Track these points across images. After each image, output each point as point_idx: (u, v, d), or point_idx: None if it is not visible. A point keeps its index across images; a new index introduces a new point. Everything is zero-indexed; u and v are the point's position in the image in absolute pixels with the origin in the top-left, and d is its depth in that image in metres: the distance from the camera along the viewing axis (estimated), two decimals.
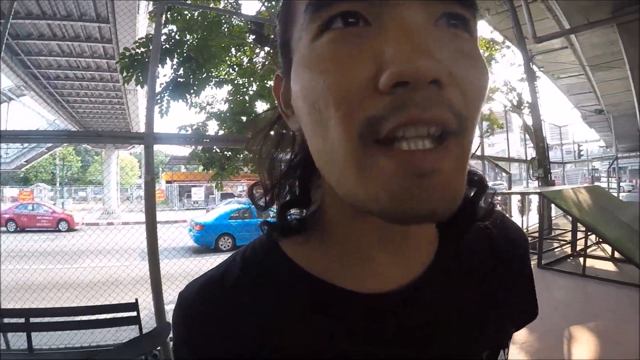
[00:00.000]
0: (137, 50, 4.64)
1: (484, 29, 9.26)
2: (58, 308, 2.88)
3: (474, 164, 0.49)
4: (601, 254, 4.49)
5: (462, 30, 0.31)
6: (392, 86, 0.27)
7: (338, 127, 0.29)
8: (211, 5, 6.04)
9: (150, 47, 4.03)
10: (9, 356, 2.77)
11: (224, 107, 6.29)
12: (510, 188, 7.18)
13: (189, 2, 5.19)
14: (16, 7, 5.91)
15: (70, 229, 13.69)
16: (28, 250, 6.31)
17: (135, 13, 7.96)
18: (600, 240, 4.67)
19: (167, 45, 4.78)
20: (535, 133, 6.98)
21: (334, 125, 0.29)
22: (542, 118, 7.28)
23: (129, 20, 7.76)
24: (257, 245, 0.44)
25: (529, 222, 7.72)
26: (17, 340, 2.88)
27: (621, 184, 16.47)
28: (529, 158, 7.51)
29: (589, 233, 4.54)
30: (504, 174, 7.40)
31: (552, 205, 5.82)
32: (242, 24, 5.78)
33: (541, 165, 6.72)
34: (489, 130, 11.18)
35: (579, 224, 4.76)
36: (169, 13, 4.77)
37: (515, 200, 8.01)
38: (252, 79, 6.13)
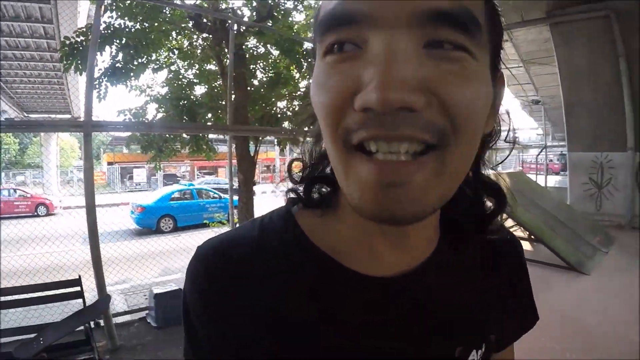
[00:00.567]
0: (77, 39, 4.64)
1: None
2: (8, 288, 2.98)
3: None
4: (521, 234, 4.71)
5: (456, 51, 0.31)
6: (362, 110, 0.30)
7: (328, 133, 0.34)
8: None
9: (90, 37, 4.09)
10: None
11: (163, 90, 6.38)
12: None
13: None
14: None
15: (50, 214, 13.11)
16: None
17: None
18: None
19: (107, 32, 4.81)
20: None
21: (325, 129, 0.35)
22: None
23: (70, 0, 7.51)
24: (274, 215, 0.47)
25: None
26: None
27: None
28: None
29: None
30: None
31: None
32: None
33: None
34: None
35: None
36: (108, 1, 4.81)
37: None
38: (191, 61, 6.25)
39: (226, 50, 5.52)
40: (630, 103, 5.77)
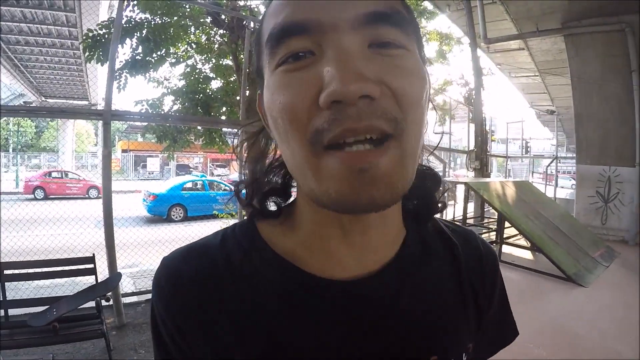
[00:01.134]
0: (100, 31, 4.85)
1: (443, 23, 9.23)
2: (28, 261, 3.14)
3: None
4: (523, 243, 4.76)
5: (396, 48, 0.36)
6: (329, 104, 0.32)
7: (294, 138, 0.35)
8: None
9: (112, 29, 4.25)
10: None
11: (180, 83, 6.55)
12: (443, 176, 7.54)
13: None
14: None
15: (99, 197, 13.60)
16: None
17: None
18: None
19: (128, 26, 4.99)
20: (475, 127, 7.37)
21: (291, 136, 0.35)
22: (484, 113, 7.63)
23: None
24: (237, 226, 0.49)
25: (467, 211, 8.27)
26: None
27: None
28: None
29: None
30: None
31: None
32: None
33: (478, 157, 7.18)
34: (440, 120, 11.55)
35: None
36: None
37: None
38: (208, 55, 6.41)
39: (242, 47, 5.66)
40: None
